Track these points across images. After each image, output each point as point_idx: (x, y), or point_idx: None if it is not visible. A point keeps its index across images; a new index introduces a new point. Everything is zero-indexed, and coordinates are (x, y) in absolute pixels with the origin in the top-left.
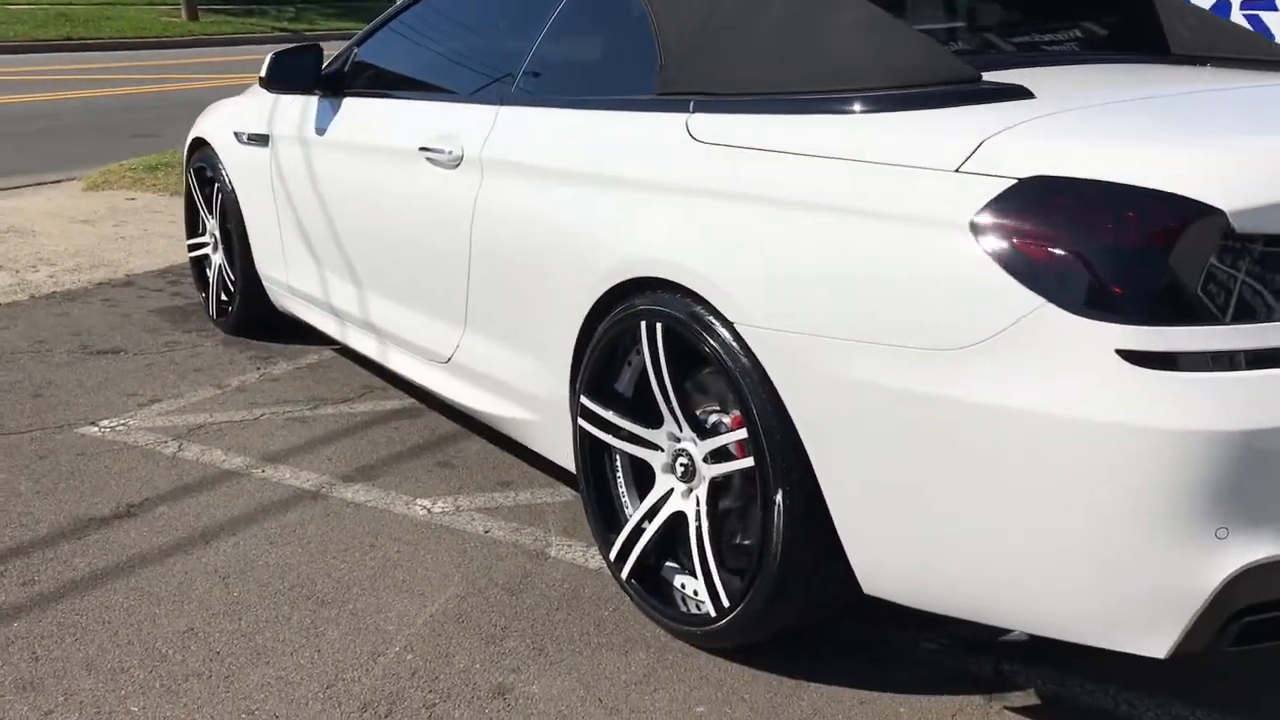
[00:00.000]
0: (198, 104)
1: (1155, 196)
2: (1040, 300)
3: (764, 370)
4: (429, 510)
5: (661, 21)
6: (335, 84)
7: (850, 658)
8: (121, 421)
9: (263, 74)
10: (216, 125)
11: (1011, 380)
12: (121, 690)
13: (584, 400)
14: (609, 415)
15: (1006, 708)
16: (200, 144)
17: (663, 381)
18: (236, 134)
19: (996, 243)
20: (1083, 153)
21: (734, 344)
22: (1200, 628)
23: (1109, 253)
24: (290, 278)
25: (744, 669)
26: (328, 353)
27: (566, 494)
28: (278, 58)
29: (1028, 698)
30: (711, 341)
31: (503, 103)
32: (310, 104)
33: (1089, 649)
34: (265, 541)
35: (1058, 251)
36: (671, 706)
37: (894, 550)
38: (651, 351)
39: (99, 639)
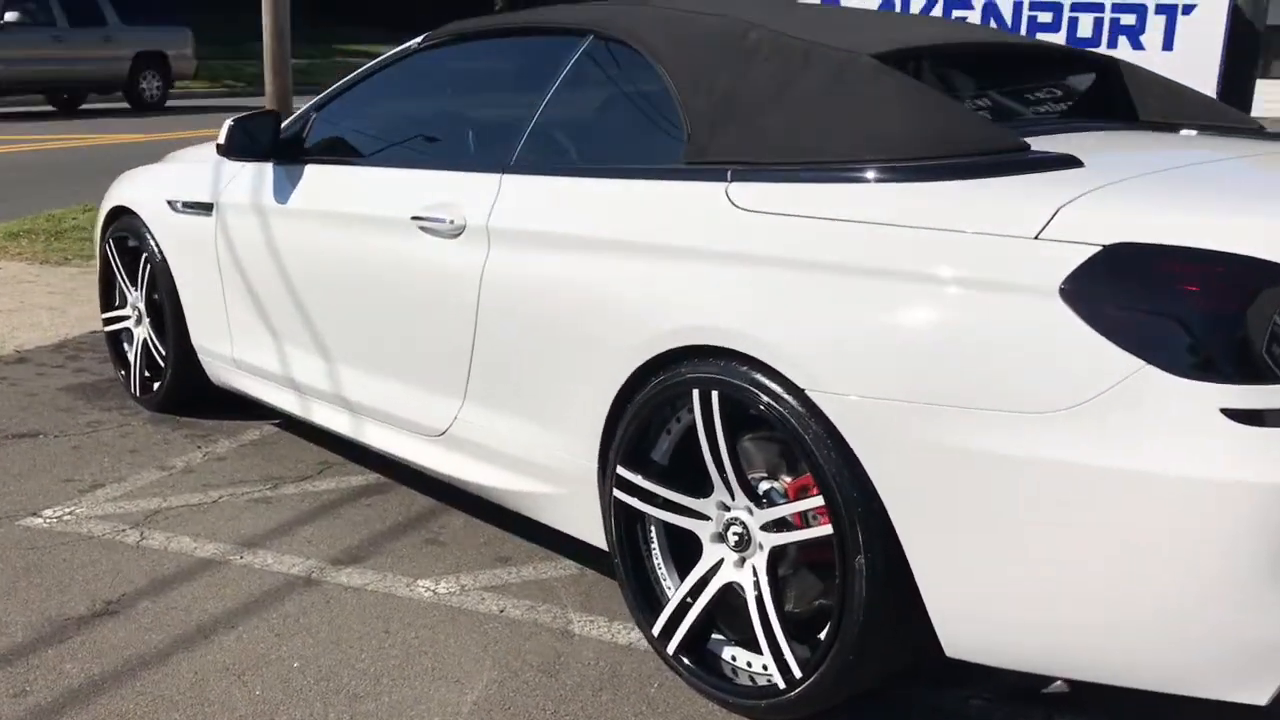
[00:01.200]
0: (43, 166)
1: (1246, 261)
2: (1140, 363)
3: (840, 436)
4: (434, 592)
5: (685, 92)
6: (294, 151)
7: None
8: (67, 510)
9: (221, 141)
10: (143, 193)
11: (1115, 440)
12: None
13: (621, 471)
14: (650, 486)
15: None
16: (121, 212)
17: (717, 450)
18: (170, 202)
19: (1090, 308)
20: (1161, 221)
21: (803, 410)
22: None
23: (1209, 316)
24: (236, 351)
25: None
26: (269, 428)
27: (571, 567)
28: (237, 124)
29: None
30: (778, 408)
31: (505, 171)
32: (266, 171)
33: (1134, 695)
34: (270, 633)
35: (1156, 316)
36: None
37: (983, 611)
38: (705, 420)
39: None
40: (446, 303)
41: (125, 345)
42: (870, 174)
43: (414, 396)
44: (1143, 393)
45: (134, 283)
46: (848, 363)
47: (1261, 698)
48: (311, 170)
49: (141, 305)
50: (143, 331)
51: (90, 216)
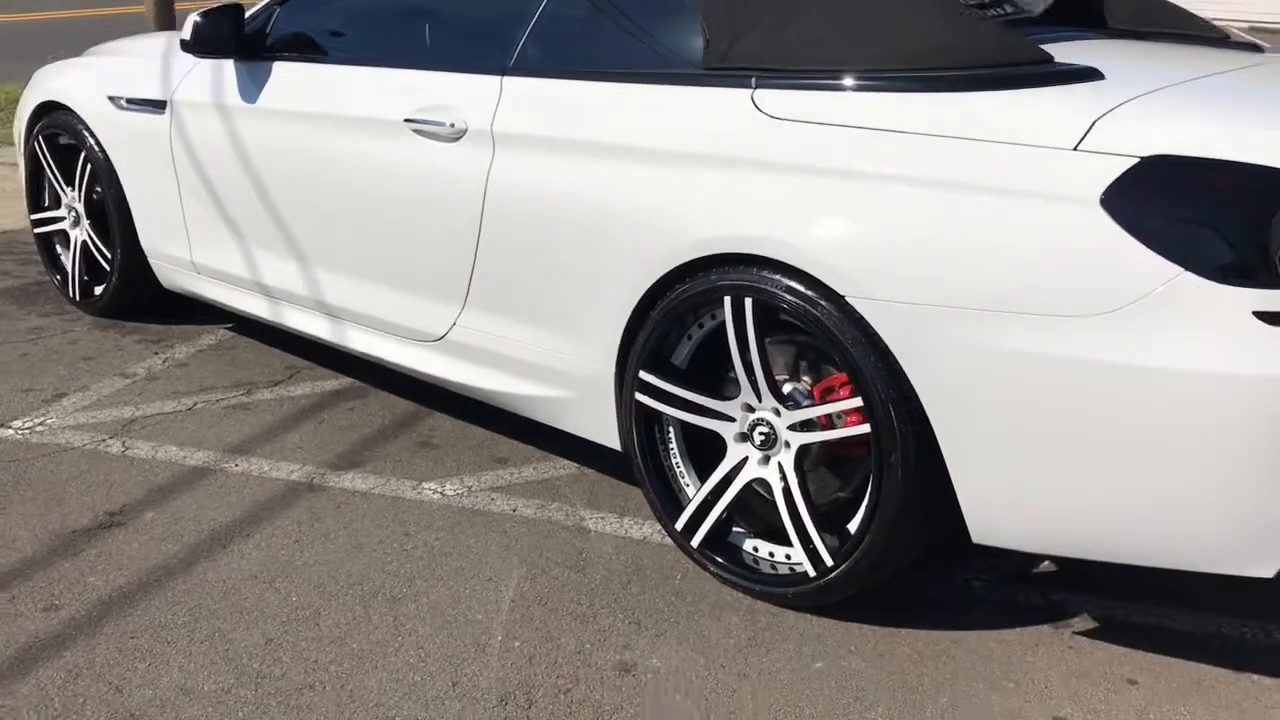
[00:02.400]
0: None
1: (1277, 173)
2: (1178, 269)
3: (879, 339)
4: (442, 494)
5: None
6: (259, 47)
7: (924, 605)
8: (38, 421)
9: (186, 37)
10: (78, 88)
11: (1153, 341)
12: (240, 712)
13: (643, 375)
14: (673, 389)
15: (1075, 633)
16: (52, 107)
17: (747, 355)
18: (112, 98)
19: (1131, 217)
20: (1193, 134)
21: (841, 316)
22: None
23: (1243, 226)
24: (196, 254)
25: (838, 624)
26: (223, 332)
27: (569, 466)
28: (205, 19)
29: (1086, 622)
30: (815, 314)
31: (504, 73)
32: (227, 68)
33: (1125, 573)
34: (289, 540)
35: (1194, 225)
36: (791, 664)
37: (1015, 501)
38: (738, 327)
39: (175, 661)
40: (445, 207)
41: (60, 248)
42: (903, 83)
43: (406, 301)
44: (1181, 297)
45: (69, 182)
46: (887, 270)
47: (1269, 571)
48: (283, 68)
49: (79, 206)
50: (81, 233)
51: None
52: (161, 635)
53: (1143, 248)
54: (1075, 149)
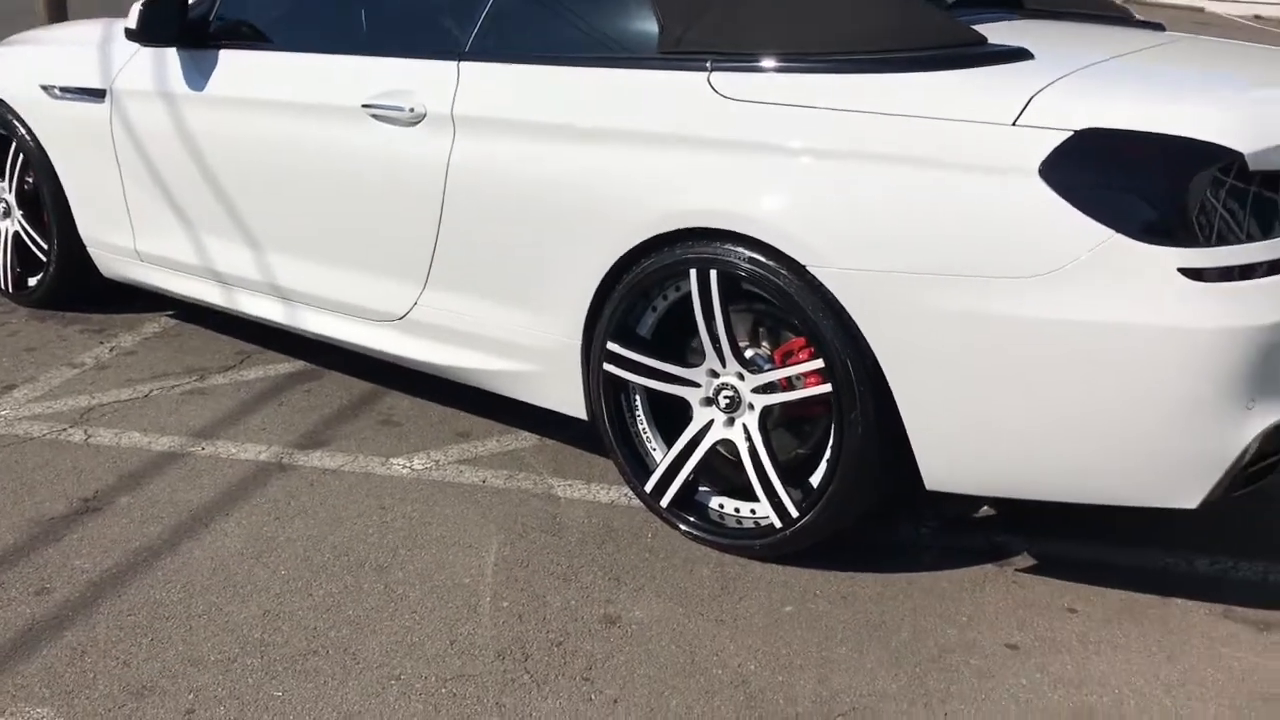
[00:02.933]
0: None
1: (1197, 145)
2: (1110, 231)
3: (838, 305)
4: (411, 469)
5: None
6: (202, 34)
7: (878, 551)
8: None
9: (132, 25)
10: (8, 77)
11: (1089, 297)
12: (250, 679)
13: (611, 346)
14: (640, 358)
15: (1018, 570)
16: None
17: (713, 325)
18: (45, 87)
19: (1066, 185)
20: (1123, 109)
21: (802, 284)
22: (1226, 478)
23: (1168, 191)
24: (140, 242)
25: (803, 571)
26: (165, 319)
27: (530, 438)
28: (148, 7)
29: (1027, 560)
30: (776, 283)
31: (460, 59)
32: (170, 56)
33: (1053, 513)
34: (270, 518)
35: (1124, 191)
36: (764, 609)
37: (964, 449)
38: (703, 298)
39: (177, 635)
40: (405, 190)
41: None
42: (852, 65)
43: (365, 282)
44: (1113, 257)
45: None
46: (845, 240)
47: (1192, 502)
48: (231, 56)
49: (10, 197)
50: (13, 225)
51: None
52: (159, 612)
53: (1078, 212)
54: (1014, 124)
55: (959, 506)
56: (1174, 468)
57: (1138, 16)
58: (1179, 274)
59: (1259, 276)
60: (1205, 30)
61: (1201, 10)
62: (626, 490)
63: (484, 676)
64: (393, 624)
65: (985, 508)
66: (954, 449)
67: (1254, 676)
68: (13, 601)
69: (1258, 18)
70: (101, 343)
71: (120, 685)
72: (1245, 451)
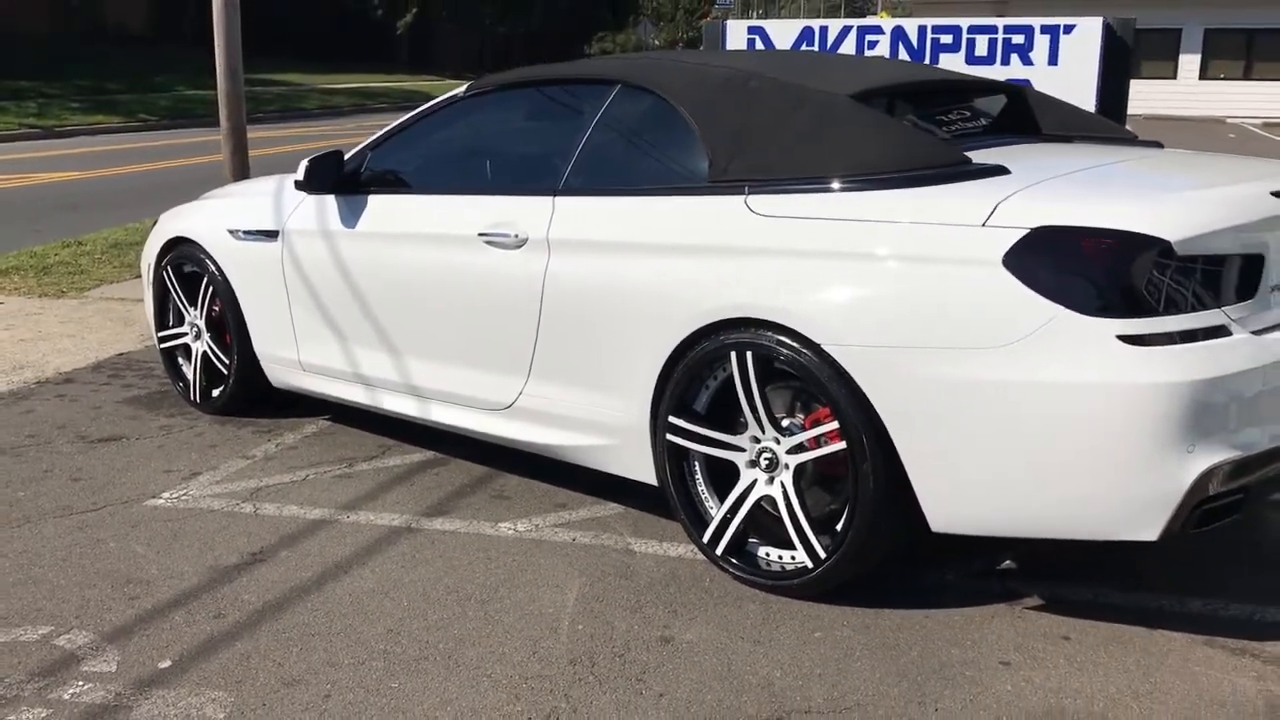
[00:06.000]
0: None
1: (1129, 235)
2: (1059, 307)
3: (848, 375)
4: (515, 530)
5: (705, 128)
6: (354, 184)
7: (904, 593)
8: (181, 493)
9: (300, 178)
10: (202, 224)
11: (1045, 363)
12: (374, 675)
13: (672, 419)
14: (697, 429)
15: (1026, 608)
16: (179, 242)
17: (751, 396)
18: (231, 231)
19: (1024, 272)
20: (1070, 209)
21: (818, 359)
22: (1178, 514)
23: (1105, 274)
24: (303, 354)
25: (833, 607)
26: (323, 421)
27: (616, 507)
28: (313, 163)
29: (1035, 600)
30: (799, 359)
31: (556, 194)
32: (329, 202)
33: (1074, 558)
34: (397, 565)
35: (1070, 274)
36: (796, 634)
37: (958, 494)
38: (742, 374)
39: (321, 645)
40: (513, 301)
41: (182, 360)
42: (859, 185)
43: (481, 379)
44: (1062, 328)
45: (192, 303)
46: (852, 322)
47: (1153, 535)
48: (377, 199)
49: (201, 322)
50: (202, 345)
51: (71, 252)
52: (306, 630)
53: (1033, 293)
54: (984, 225)
55: (982, 559)
56: (1130, 505)
57: (1140, 136)
58: (1117, 340)
59: (1186, 342)
60: (1221, 137)
61: (1223, 121)
62: (692, 547)
63: (557, 676)
64: (488, 640)
65: (1007, 561)
66: (950, 494)
67: (1219, 688)
68: (197, 622)
69: (1266, 125)
70: (270, 440)
71: (276, 678)
72: (1193, 487)
